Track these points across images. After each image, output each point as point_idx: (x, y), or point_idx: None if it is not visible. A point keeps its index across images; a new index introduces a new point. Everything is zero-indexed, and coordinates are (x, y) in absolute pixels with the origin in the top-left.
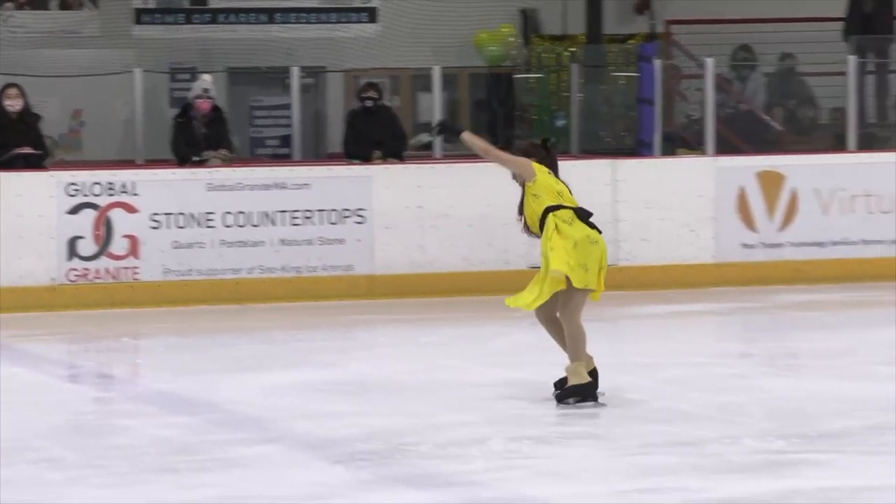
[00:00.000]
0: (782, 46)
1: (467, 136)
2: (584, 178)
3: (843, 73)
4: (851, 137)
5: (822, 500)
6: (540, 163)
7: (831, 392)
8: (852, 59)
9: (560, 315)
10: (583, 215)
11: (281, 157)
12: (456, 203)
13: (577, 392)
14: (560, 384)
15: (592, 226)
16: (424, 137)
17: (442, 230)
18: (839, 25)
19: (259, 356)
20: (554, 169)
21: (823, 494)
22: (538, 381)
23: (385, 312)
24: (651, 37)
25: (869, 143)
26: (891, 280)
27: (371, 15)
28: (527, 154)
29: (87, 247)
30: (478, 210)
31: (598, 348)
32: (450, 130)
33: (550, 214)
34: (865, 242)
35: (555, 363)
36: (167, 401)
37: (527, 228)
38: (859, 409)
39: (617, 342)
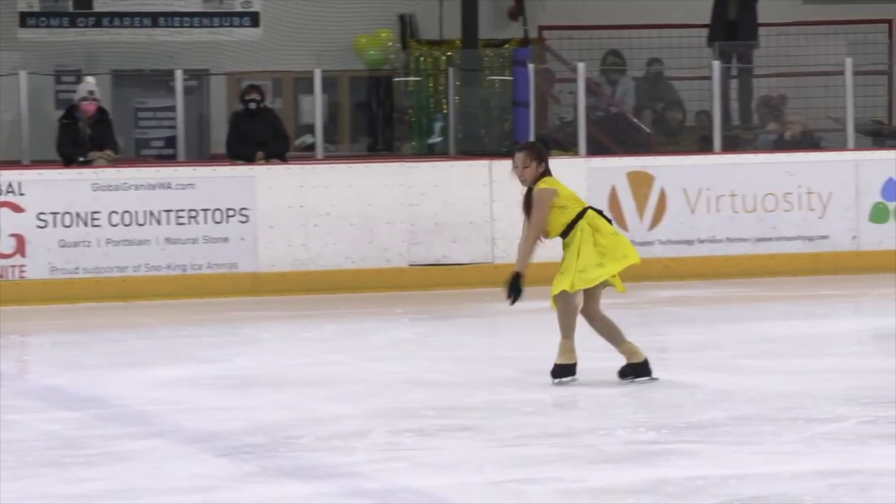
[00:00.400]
0: (650, 52)
1: (522, 268)
2: (461, 178)
3: (708, 78)
4: (717, 139)
5: (690, 489)
6: (547, 174)
7: (699, 384)
8: (716, 65)
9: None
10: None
11: (166, 158)
12: (338, 202)
13: (636, 371)
14: (627, 370)
15: (608, 220)
16: (308, 139)
17: (324, 228)
18: (704, 32)
19: (144, 351)
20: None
21: (692, 483)
22: (418, 375)
23: (269, 309)
24: (525, 42)
25: (733, 144)
26: (754, 276)
27: (253, 19)
28: (541, 157)
29: None
30: (359, 209)
31: (475, 342)
32: (516, 291)
33: (581, 220)
34: (730, 240)
35: (436, 357)
36: (54, 396)
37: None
38: (725, 401)
39: (494, 337)
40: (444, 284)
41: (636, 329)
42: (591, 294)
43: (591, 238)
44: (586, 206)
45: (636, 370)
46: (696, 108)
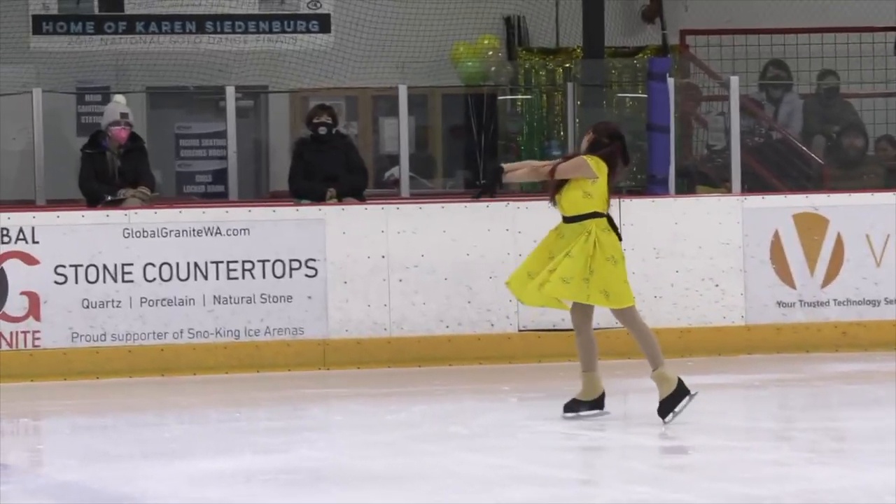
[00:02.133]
0: (822, 62)
1: (510, 172)
2: None
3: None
4: None
5: None
6: (603, 156)
7: (888, 484)
8: None
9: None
10: (614, 224)
11: (214, 197)
12: (429, 252)
13: (673, 402)
14: (574, 406)
15: (619, 235)
16: (392, 173)
17: (410, 284)
18: (892, 36)
19: (187, 439)
20: (619, 161)
21: None
22: (530, 469)
23: (342, 385)
24: (663, 50)
25: None
26: None
27: (323, 24)
28: (594, 147)
29: None
30: (455, 260)
31: (602, 425)
32: (490, 184)
33: (592, 221)
34: None
35: (551, 447)
36: (74, 494)
37: (554, 201)
38: None
39: (626, 420)
40: (561, 354)
41: (805, 412)
42: (585, 308)
43: (593, 250)
44: (607, 213)
45: (587, 406)
46: (881, 133)
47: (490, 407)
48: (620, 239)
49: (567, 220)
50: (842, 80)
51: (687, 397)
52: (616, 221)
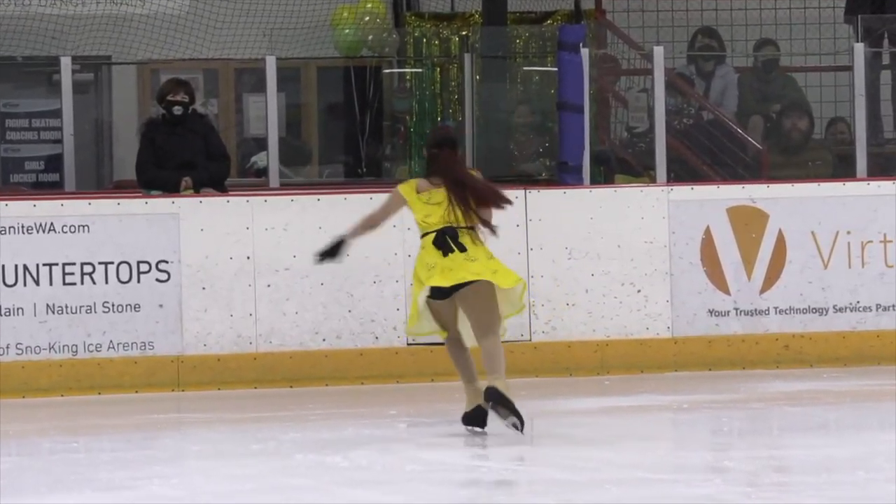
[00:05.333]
0: (760, 30)
1: (350, 238)
2: None
3: (847, 68)
4: (861, 159)
5: None
6: (431, 169)
7: None
8: (859, 48)
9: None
10: (439, 242)
11: (47, 187)
12: (302, 253)
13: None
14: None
15: (448, 249)
16: (259, 160)
17: (281, 291)
18: (840, 1)
19: (16, 473)
20: (446, 172)
21: None
22: None
23: (199, 409)
24: (576, 16)
25: (886, 167)
26: None
27: None
28: (427, 163)
29: None
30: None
31: (506, 453)
32: (332, 253)
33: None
34: (882, 308)
35: (447, 481)
36: None
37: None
38: None
39: (534, 449)
40: (455, 373)
41: (742, 439)
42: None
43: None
44: (430, 229)
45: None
46: (829, 114)
47: (374, 435)
48: (462, 250)
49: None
50: (782, 52)
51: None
52: (521, 216)
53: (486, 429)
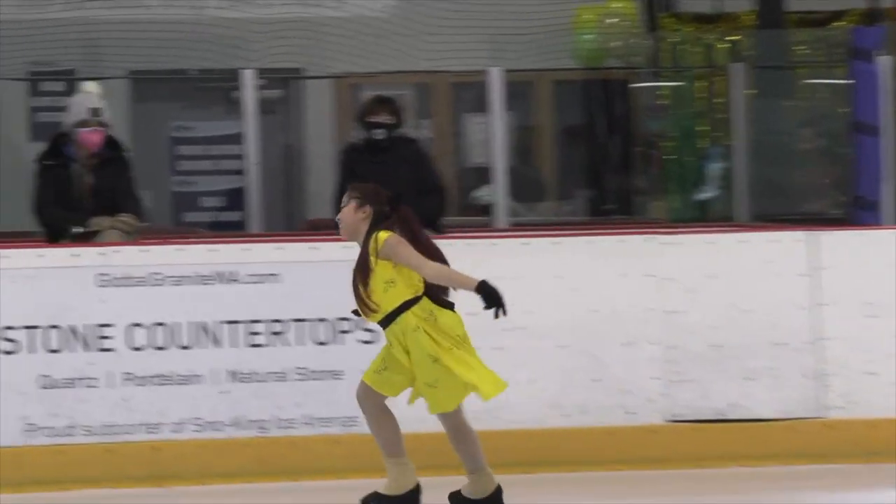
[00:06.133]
0: None
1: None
2: (758, 263)
3: None
4: None
5: None
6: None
7: None
8: None
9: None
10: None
11: (228, 228)
12: (538, 306)
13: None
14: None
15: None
16: (482, 194)
17: (511, 352)
18: None
19: None
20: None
21: None
22: None
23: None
24: (872, 17)
25: None
26: None
27: None
28: (378, 221)
29: None
30: (574, 319)
31: None
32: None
33: (409, 313)
34: None
35: None
36: None
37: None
38: None
39: None
40: (731, 457)
41: None
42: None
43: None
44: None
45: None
46: None
47: None
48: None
49: (382, 323)
50: None
51: None
52: (806, 264)
53: None
